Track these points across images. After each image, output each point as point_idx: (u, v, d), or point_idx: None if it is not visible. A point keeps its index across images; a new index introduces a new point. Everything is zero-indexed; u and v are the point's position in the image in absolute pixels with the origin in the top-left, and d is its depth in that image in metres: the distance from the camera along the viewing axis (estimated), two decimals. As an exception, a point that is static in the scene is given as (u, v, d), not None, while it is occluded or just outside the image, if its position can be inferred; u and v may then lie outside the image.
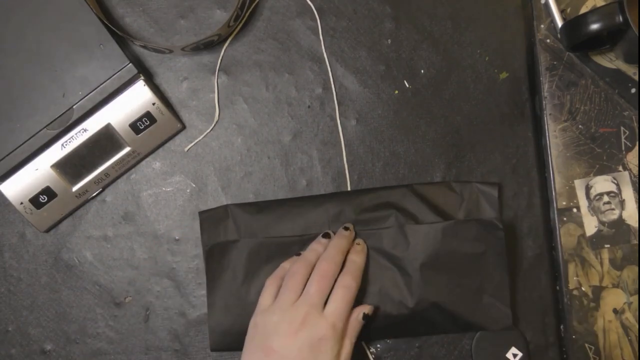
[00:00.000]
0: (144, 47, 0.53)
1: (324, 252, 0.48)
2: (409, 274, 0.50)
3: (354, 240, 0.50)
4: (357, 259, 0.49)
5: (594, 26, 0.47)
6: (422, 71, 0.55)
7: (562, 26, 0.51)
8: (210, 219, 0.52)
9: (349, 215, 0.51)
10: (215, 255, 0.51)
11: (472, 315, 0.50)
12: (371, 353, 0.52)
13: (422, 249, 0.50)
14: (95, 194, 0.53)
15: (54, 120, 0.49)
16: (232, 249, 0.51)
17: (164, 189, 0.54)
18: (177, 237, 0.54)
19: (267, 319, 0.45)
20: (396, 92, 0.54)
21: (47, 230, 0.53)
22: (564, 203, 0.52)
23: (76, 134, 0.51)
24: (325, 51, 0.54)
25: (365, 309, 0.47)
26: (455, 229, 0.50)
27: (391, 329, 0.51)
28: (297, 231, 0.51)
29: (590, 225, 0.52)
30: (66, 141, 0.51)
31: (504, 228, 0.50)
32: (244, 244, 0.51)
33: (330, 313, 0.44)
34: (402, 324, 0.50)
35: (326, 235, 0.50)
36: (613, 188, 0.52)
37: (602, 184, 0.52)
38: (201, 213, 0.53)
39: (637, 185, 0.52)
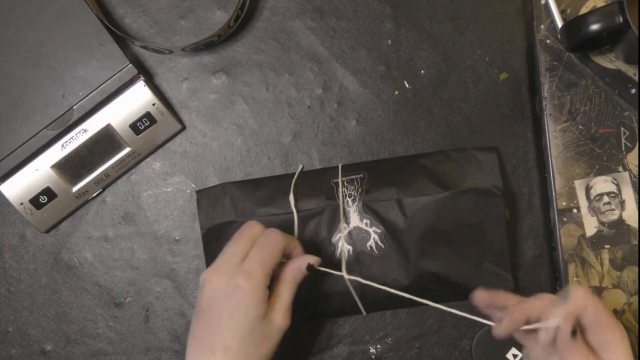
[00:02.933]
0: (144, 47, 0.53)
1: None
2: (407, 252, 0.50)
3: None
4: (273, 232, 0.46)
5: (594, 27, 0.47)
6: (422, 71, 0.55)
7: (562, 27, 0.51)
8: (207, 198, 0.52)
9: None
10: (212, 237, 0.51)
11: (472, 283, 0.50)
12: (371, 353, 0.52)
13: (420, 222, 0.50)
14: (95, 194, 0.53)
15: (54, 120, 0.49)
16: (229, 229, 0.51)
17: (164, 189, 0.54)
18: (177, 238, 0.54)
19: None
20: (396, 92, 0.54)
21: (47, 231, 0.53)
22: (564, 203, 0.52)
23: (76, 134, 0.51)
24: (326, 51, 0.54)
25: (311, 259, 0.45)
26: (453, 200, 0.50)
27: (390, 301, 0.50)
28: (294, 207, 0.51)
29: (590, 226, 0.52)
30: (66, 142, 0.51)
31: (508, 197, 0.51)
32: (240, 225, 0.51)
33: (244, 264, 0.43)
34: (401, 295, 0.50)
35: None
36: (613, 189, 0.52)
37: (602, 184, 0.52)
38: (198, 192, 0.53)
39: (637, 185, 0.52)
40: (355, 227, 0.51)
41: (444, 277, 0.50)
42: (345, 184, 0.52)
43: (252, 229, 0.45)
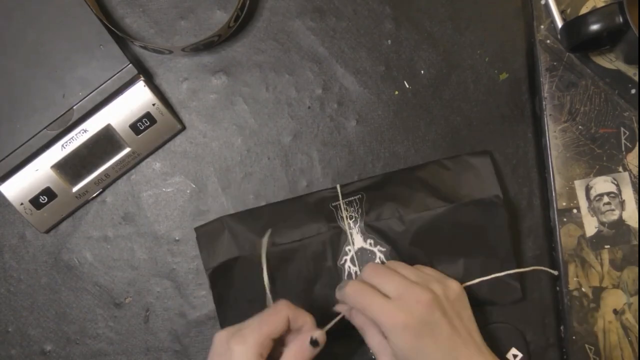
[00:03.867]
0: (144, 47, 0.53)
1: None
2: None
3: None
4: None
5: (594, 27, 0.47)
6: (422, 72, 0.55)
7: (562, 27, 0.51)
8: (206, 235, 0.52)
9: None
10: (219, 276, 0.51)
11: (481, 292, 0.50)
12: (371, 353, 0.52)
13: (424, 237, 0.50)
14: (95, 194, 0.53)
15: (54, 121, 0.49)
16: (234, 266, 0.51)
17: (164, 189, 0.54)
18: (177, 238, 0.54)
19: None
20: (396, 92, 0.54)
21: (47, 231, 0.53)
22: (564, 204, 0.52)
23: (76, 134, 0.51)
24: (326, 51, 0.54)
25: (315, 333, 0.42)
26: (455, 213, 0.50)
27: None
28: (296, 235, 0.51)
29: (590, 226, 0.52)
30: (66, 142, 0.51)
31: (507, 200, 0.51)
32: (244, 262, 0.50)
33: (242, 328, 0.42)
34: None
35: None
36: (613, 189, 0.52)
37: (602, 184, 0.52)
38: (197, 229, 0.52)
39: (637, 186, 0.52)
40: (360, 248, 0.51)
41: None
42: (345, 205, 0.52)
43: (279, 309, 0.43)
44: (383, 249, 0.51)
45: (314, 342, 0.42)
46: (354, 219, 0.52)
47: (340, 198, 0.52)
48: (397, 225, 0.51)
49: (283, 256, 0.50)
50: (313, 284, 0.51)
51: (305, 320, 0.43)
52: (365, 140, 0.54)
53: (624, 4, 0.46)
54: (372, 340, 0.46)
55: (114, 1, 0.54)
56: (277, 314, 0.42)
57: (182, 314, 0.53)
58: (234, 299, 0.51)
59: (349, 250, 0.51)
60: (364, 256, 0.51)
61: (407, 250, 0.50)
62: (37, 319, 0.53)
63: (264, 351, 0.41)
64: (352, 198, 0.52)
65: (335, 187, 0.51)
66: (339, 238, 0.51)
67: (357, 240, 0.51)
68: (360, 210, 0.52)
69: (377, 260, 0.51)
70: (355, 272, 0.51)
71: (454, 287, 0.46)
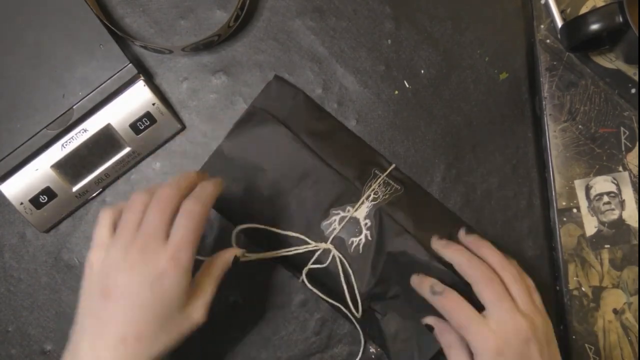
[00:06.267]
0: (144, 47, 0.53)
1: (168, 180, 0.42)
2: (370, 275, 0.49)
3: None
4: (208, 186, 0.42)
5: (594, 27, 0.47)
6: (422, 71, 0.55)
7: (562, 26, 0.51)
8: (277, 89, 0.53)
9: None
10: (255, 116, 0.52)
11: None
12: (371, 353, 0.52)
13: (404, 266, 0.48)
14: (95, 194, 0.53)
15: (54, 120, 0.49)
16: (270, 124, 0.51)
17: (164, 189, 0.54)
18: (177, 238, 0.54)
19: (103, 255, 0.40)
20: (396, 92, 0.54)
21: (47, 231, 0.53)
22: (564, 203, 0.52)
23: (76, 134, 0.51)
24: (326, 51, 0.54)
25: (238, 251, 0.43)
26: (442, 276, 0.47)
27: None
28: (331, 159, 0.51)
29: (590, 226, 0.52)
30: (66, 141, 0.51)
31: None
32: (278, 132, 0.51)
33: (171, 243, 0.39)
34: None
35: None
36: (613, 188, 0.52)
37: (602, 184, 0.52)
38: (277, 79, 0.53)
39: (637, 185, 0.52)
40: (354, 217, 0.51)
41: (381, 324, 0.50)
42: (383, 180, 0.51)
43: (186, 178, 0.42)
44: (370, 238, 0.50)
45: (235, 260, 0.43)
46: (377, 196, 0.51)
47: (386, 174, 0.51)
48: (399, 235, 0.49)
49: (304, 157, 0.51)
50: (301, 192, 0.51)
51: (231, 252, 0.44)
52: (365, 139, 0.54)
53: (623, 3, 0.46)
54: None
55: (114, 1, 0.54)
56: (205, 205, 0.41)
57: (182, 314, 0.53)
58: (252, 131, 0.52)
59: (348, 211, 0.50)
60: (351, 227, 0.50)
61: (383, 259, 0.49)
62: (37, 319, 0.53)
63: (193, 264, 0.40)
64: (393, 184, 0.51)
65: (392, 163, 0.52)
66: (351, 194, 0.50)
67: (361, 211, 0.50)
68: (387, 196, 0.51)
69: (357, 240, 0.50)
70: (333, 232, 0.50)
71: (548, 320, 0.45)
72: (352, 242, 0.50)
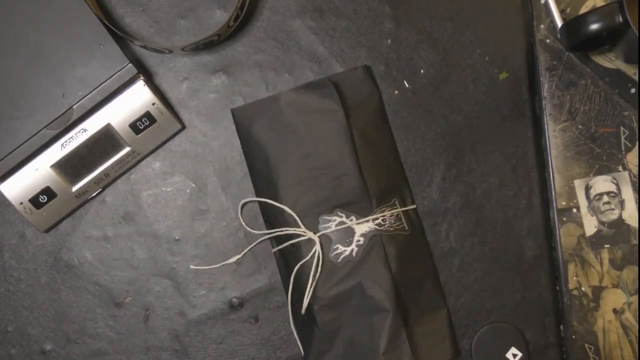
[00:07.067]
0: (144, 47, 0.53)
1: None
2: (332, 290, 0.50)
3: None
4: None
5: (594, 26, 0.47)
6: (422, 71, 0.55)
7: (562, 26, 0.51)
8: (360, 78, 0.53)
9: None
10: (324, 88, 0.52)
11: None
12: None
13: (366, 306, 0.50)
14: (95, 194, 0.53)
15: (54, 120, 0.50)
16: (332, 104, 0.51)
17: (163, 189, 0.54)
18: (177, 237, 0.54)
19: None
20: (396, 92, 0.54)
21: (47, 230, 0.53)
22: (564, 203, 0.52)
23: (76, 134, 0.51)
24: (326, 51, 0.54)
25: None
26: None
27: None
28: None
29: (590, 226, 0.52)
30: (66, 141, 0.51)
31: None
32: (336, 114, 0.51)
33: None
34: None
35: None
36: (613, 188, 0.52)
37: (601, 184, 0.52)
38: (366, 68, 0.53)
39: (637, 185, 0.52)
40: (352, 229, 0.50)
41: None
42: (394, 214, 0.51)
43: None
44: (354, 256, 0.50)
45: None
46: (381, 223, 0.50)
47: (403, 210, 0.52)
48: (380, 273, 0.49)
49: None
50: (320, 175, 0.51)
51: None
52: (365, 139, 0.54)
53: (623, 3, 0.46)
54: None
55: (114, 1, 0.54)
56: None
57: (182, 314, 0.53)
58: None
59: (351, 219, 0.50)
60: (343, 235, 0.50)
61: (351, 281, 0.50)
62: (37, 319, 0.53)
63: None
64: (403, 222, 0.52)
65: (415, 204, 0.53)
66: (362, 207, 0.50)
67: (361, 227, 0.50)
68: (391, 229, 0.50)
69: (342, 251, 0.50)
70: (327, 228, 0.50)
71: None
72: (337, 248, 0.50)
